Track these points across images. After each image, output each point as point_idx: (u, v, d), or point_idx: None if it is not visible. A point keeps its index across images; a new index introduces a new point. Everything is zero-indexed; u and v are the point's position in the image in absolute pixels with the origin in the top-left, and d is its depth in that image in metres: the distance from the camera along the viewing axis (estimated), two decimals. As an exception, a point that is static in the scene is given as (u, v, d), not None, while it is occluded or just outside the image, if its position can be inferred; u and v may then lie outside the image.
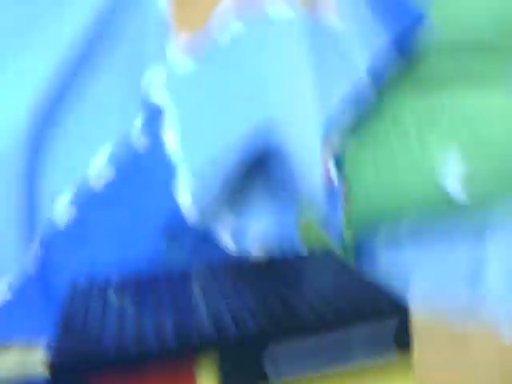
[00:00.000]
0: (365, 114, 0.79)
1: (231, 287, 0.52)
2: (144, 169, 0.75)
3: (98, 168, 0.75)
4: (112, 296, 0.54)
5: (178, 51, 0.75)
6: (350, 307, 0.45)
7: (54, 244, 0.74)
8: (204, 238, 0.73)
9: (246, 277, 0.56)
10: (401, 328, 0.45)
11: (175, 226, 0.71)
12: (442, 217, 0.78)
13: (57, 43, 0.73)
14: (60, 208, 0.74)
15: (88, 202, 0.75)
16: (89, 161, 0.75)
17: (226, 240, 0.73)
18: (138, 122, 0.75)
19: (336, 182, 0.77)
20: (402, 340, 0.45)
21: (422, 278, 0.74)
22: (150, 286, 0.55)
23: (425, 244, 0.78)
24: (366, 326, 0.44)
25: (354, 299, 0.47)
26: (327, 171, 0.74)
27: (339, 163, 0.79)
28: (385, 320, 0.45)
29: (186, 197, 0.71)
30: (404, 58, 0.77)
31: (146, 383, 0.43)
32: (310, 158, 0.71)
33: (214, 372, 0.43)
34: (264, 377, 0.43)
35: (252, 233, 0.73)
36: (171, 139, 0.73)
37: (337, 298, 0.47)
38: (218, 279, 0.55)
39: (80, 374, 0.42)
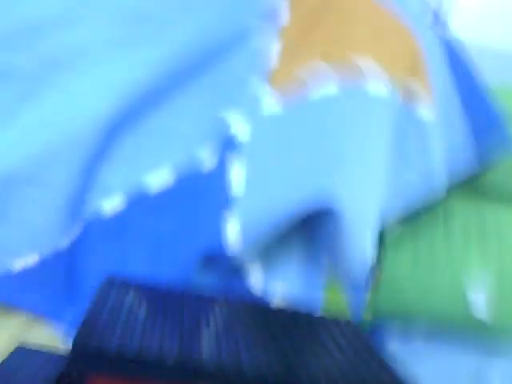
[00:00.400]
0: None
1: (247, 326, 0.53)
2: (202, 190, 0.76)
3: (157, 176, 0.76)
4: (136, 301, 0.54)
5: (270, 95, 0.77)
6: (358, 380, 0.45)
7: (93, 233, 0.75)
8: (236, 273, 0.73)
9: (264, 321, 0.56)
10: None
11: (214, 253, 0.72)
12: (461, 328, 0.79)
13: (165, 50, 0.76)
14: (110, 202, 0.76)
15: (138, 206, 0.76)
16: (151, 167, 0.77)
17: (255, 283, 0.74)
18: (211, 147, 0.77)
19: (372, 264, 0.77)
20: None
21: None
22: (174, 301, 0.56)
23: (436, 349, 0.79)
24: None
25: (364, 373, 0.47)
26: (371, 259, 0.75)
27: (380, 247, 0.79)
28: None
29: (234, 230, 0.72)
30: (477, 163, 0.79)
31: None
32: (362, 235, 0.72)
33: None
34: None
35: (278, 287, 0.74)
36: (238, 172, 0.75)
37: (348, 369, 0.47)
38: (238, 314, 0.56)
39: (81, 372, 0.43)
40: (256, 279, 0.73)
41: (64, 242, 0.74)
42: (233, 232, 0.71)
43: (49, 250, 0.73)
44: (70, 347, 0.45)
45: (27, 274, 0.72)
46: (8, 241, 0.72)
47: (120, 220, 0.75)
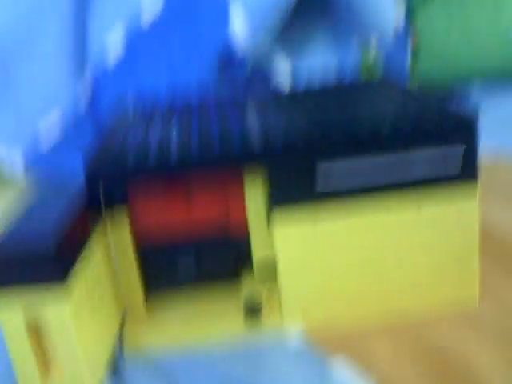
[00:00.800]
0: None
1: (284, 112, 0.48)
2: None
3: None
4: (158, 116, 0.50)
5: None
6: (411, 126, 0.41)
7: (104, 75, 0.74)
8: (257, 75, 0.70)
9: (299, 103, 0.50)
10: (468, 153, 0.40)
11: (227, 57, 0.69)
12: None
13: None
14: (111, 40, 0.73)
15: (139, 34, 0.73)
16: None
17: (280, 78, 0.70)
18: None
19: (405, 33, 0.72)
20: (468, 167, 0.41)
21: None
22: (199, 110, 0.51)
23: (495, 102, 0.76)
24: (428, 147, 0.40)
25: (416, 119, 0.41)
26: (398, 18, 0.69)
27: (410, 14, 0.75)
28: (451, 142, 0.40)
29: (240, 28, 0.67)
30: None
31: (190, 192, 0.43)
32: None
33: (261, 182, 0.42)
34: (313, 190, 0.41)
35: (309, 70, 0.69)
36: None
37: (398, 118, 0.42)
38: (270, 107, 0.50)
39: (115, 181, 0.41)
40: (282, 74, 0.69)
41: (78, 97, 0.73)
42: (240, 28, 0.67)
43: (68, 103, 0.73)
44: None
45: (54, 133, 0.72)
46: (29, 101, 0.71)
47: (126, 55, 0.73)
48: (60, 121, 0.73)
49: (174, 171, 0.40)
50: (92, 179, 0.41)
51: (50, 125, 0.73)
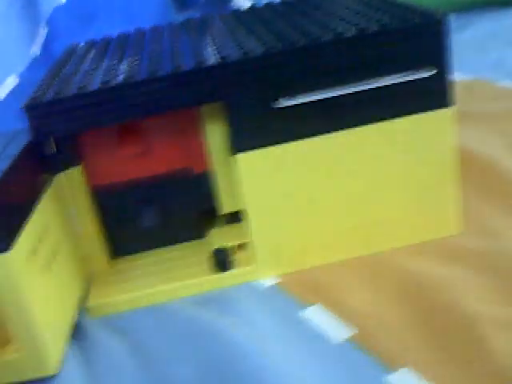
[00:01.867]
0: None
1: (242, 27, 0.44)
2: None
3: None
4: (110, 50, 0.46)
5: None
6: (374, 24, 0.38)
7: (60, 24, 0.72)
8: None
9: (259, 18, 0.46)
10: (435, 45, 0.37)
11: None
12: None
13: None
14: None
15: None
16: None
17: None
18: None
19: None
20: (436, 58, 0.38)
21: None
22: (153, 37, 0.47)
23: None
24: (393, 42, 0.37)
25: (380, 17, 0.39)
26: None
27: None
28: (417, 36, 0.37)
29: None
30: None
31: (146, 134, 0.41)
32: None
33: (220, 115, 0.40)
34: (274, 116, 0.38)
35: None
36: None
37: (359, 18, 0.40)
38: (229, 23, 0.47)
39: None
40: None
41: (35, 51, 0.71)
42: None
43: (24, 66, 0.70)
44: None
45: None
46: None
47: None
48: (16, 87, 0.69)
49: (127, 112, 0.37)
50: (40, 136, 0.38)
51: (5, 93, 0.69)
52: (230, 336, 0.37)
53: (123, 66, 0.40)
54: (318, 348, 0.36)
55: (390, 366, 0.34)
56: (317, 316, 0.38)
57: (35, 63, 0.70)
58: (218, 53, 0.38)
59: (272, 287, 0.41)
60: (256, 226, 0.41)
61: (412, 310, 0.37)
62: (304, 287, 0.41)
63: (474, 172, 0.49)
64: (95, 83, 0.37)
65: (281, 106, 0.38)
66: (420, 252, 0.42)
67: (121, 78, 0.37)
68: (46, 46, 0.72)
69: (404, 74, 0.38)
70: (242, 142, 0.39)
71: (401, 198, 0.41)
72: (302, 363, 0.35)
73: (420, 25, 0.37)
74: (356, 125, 0.39)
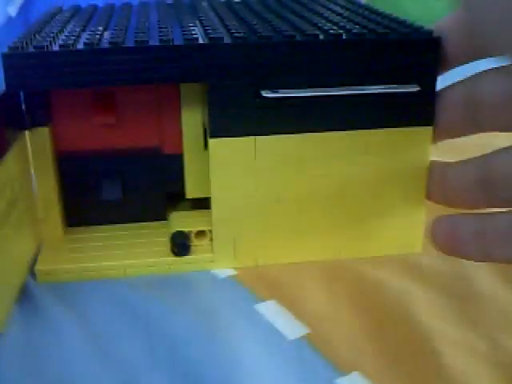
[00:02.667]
0: None
1: (233, 15, 0.43)
2: None
3: None
4: (95, 17, 0.44)
5: None
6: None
7: None
8: None
9: (251, 10, 0.45)
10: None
11: None
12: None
13: None
14: None
15: None
16: None
17: None
18: None
19: None
20: (425, 75, 0.38)
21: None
22: (140, 11, 0.45)
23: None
24: (388, 52, 0.37)
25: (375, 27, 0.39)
26: None
27: None
28: (412, 50, 0.37)
29: None
30: None
31: (117, 102, 0.40)
32: None
33: (199, 95, 0.40)
34: (253, 105, 0.38)
35: None
36: None
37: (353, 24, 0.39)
38: (220, 9, 0.45)
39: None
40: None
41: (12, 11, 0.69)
42: None
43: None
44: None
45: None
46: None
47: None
48: None
49: (107, 78, 0.36)
50: (13, 87, 0.36)
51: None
52: (180, 319, 0.36)
53: (109, 32, 0.39)
54: (271, 342, 0.35)
55: (342, 368, 0.33)
56: (271, 312, 0.37)
57: (10, 24, 0.68)
58: (208, 34, 0.38)
59: (229, 278, 0.41)
60: (218, 215, 0.40)
61: (366, 317, 0.37)
62: (261, 282, 0.40)
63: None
64: (79, 44, 0.36)
65: (264, 97, 0.38)
66: (381, 264, 0.42)
67: (106, 42, 0.36)
68: (24, 8, 0.70)
69: (390, 86, 0.39)
70: (217, 127, 0.38)
71: (369, 209, 0.41)
72: (253, 355, 0.34)
73: (417, 40, 0.38)
74: (335, 129, 0.39)
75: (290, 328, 0.36)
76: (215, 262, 0.41)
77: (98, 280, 0.40)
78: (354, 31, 0.38)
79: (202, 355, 0.33)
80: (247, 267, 0.41)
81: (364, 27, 0.39)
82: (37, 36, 0.38)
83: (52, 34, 0.38)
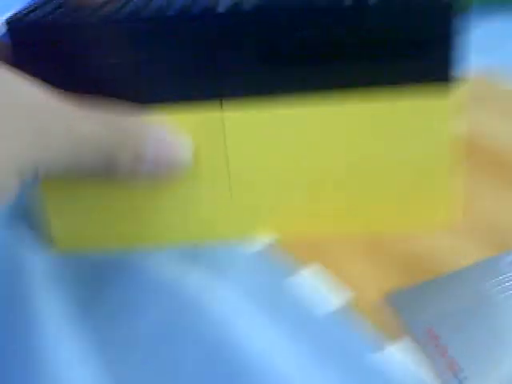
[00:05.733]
0: None
1: None
2: None
3: None
4: None
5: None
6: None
7: None
8: None
9: None
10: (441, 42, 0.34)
11: None
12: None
13: None
14: None
15: None
16: None
17: None
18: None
19: None
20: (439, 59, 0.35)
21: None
22: None
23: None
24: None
25: None
26: None
27: None
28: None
29: None
30: None
31: None
32: None
33: None
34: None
35: None
36: None
37: None
38: None
39: None
40: None
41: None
42: None
43: None
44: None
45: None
46: None
47: None
48: None
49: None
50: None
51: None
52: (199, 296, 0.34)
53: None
54: (303, 318, 0.33)
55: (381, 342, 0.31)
56: (309, 281, 0.35)
57: None
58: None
59: (261, 247, 0.38)
60: (238, 182, 0.38)
61: (402, 279, 0.35)
62: (298, 250, 0.38)
63: (484, 157, 0.46)
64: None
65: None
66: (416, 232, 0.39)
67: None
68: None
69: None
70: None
71: (392, 181, 0.38)
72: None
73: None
74: (345, 86, 0.36)
75: (330, 296, 0.34)
76: (247, 231, 0.39)
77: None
78: None
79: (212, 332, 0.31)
80: (282, 235, 0.39)
81: None
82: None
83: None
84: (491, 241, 0.37)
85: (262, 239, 0.39)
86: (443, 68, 0.35)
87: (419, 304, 0.33)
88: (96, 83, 0.35)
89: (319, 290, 0.34)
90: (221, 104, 0.36)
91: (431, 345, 0.30)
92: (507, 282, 0.33)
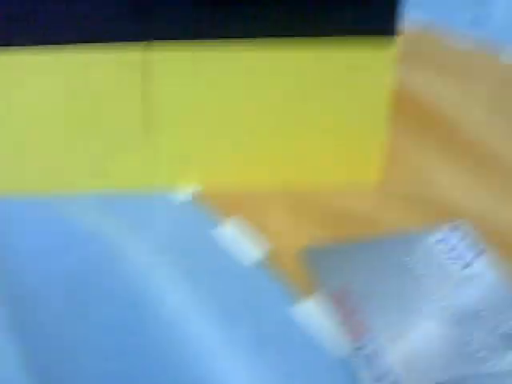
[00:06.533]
0: None
1: None
2: None
3: None
4: None
5: None
6: None
7: None
8: None
9: None
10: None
11: None
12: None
13: None
14: None
15: None
16: None
17: None
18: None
19: None
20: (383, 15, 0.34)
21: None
22: None
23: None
24: None
25: None
26: None
27: None
28: None
29: None
30: None
31: None
32: None
33: None
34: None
35: None
36: None
37: None
38: None
39: None
40: None
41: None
42: None
43: None
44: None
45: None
46: None
47: None
48: None
49: None
50: None
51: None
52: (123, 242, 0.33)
53: None
54: (221, 271, 0.33)
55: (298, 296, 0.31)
56: (230, 231, 0.35)
57: None
58: None
59: (187, 197, 0.38)
60: (168, 131, 0.37)
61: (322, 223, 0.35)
62: (221, 201, 0.37)
63: (411, 109, 0.46)
64: None
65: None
66: (341, 186, 0.39)
67: None
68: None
69: None
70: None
71: (323, 129, 0.37)
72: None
73: None
74: (276, 35, 0.34)
75: (251, 249, 0.34)
76: (173, 181, 0.38)
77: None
78: None
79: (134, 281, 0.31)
80: (207, 186, 0.38)
81: None
82: None
83: None
84: (417, 209, 0.38)
85: (186, 190, 0.38)
86: (385, 21, 0.34)
87: (337, 262, 0.33)
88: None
89: (239, 242, 0.34)
90: (145, 47, 0.34)
91: (342, 304, 0.31)
92: (429, 259, 0.33)
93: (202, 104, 0.36)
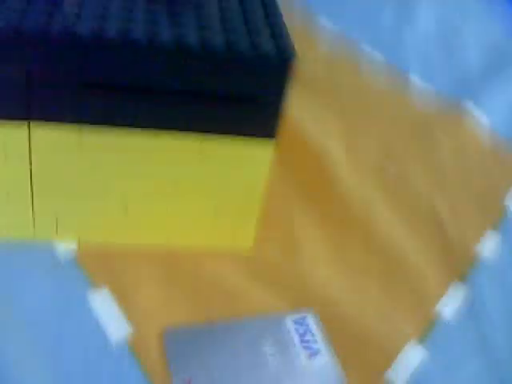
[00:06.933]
0: None
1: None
2: None
3: None
4: None
5: None
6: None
7: None
8: None
9: None
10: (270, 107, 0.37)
11: None
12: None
13: None
14: None
15: None
16: None
17: None
18: None
19: None
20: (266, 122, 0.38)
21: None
22: None
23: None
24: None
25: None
26: None
27: None
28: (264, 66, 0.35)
29: None
30: None
31: None
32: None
33: None
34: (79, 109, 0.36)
35: None
36: None
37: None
38: None
39: None
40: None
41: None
42: None
43: None
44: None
45: None
46: None
47: None
48: None
49: None
50: None
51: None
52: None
53: None
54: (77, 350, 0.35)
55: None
56: (100, 303, 0.38)
57: None
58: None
59: (67, 257, 0.40)
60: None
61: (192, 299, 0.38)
62: (96, 267, 0.40)
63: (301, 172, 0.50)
64: None
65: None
66: (212, 254, 0.42)
67: None
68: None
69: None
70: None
71: (200, 205, 0.41)
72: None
73: (270, 57, 0.35)
74: (169, 127, 0.37)
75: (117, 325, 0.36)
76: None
77: None
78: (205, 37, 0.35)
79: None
80: (88, 246, 0.41)
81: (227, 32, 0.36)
82: None
83: None
84: (283, 284, 0.41)
85: (62, 248, 0.40)
86: (268, 125, 0.38)
87: (190, 349, 0.36)
88: None
89: (102, 320, 0.37)
90: (29, 125, 0.36)
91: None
92: (284, 343, 0.37)
93: (77, 174, 0.38)
